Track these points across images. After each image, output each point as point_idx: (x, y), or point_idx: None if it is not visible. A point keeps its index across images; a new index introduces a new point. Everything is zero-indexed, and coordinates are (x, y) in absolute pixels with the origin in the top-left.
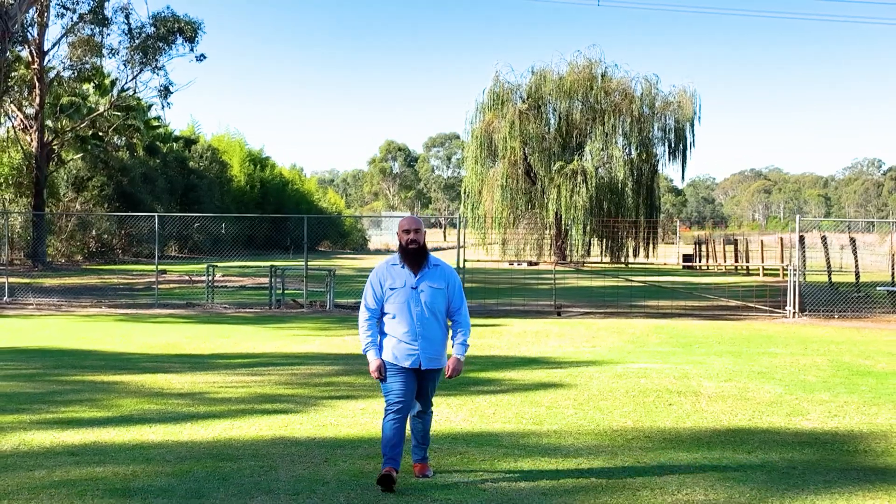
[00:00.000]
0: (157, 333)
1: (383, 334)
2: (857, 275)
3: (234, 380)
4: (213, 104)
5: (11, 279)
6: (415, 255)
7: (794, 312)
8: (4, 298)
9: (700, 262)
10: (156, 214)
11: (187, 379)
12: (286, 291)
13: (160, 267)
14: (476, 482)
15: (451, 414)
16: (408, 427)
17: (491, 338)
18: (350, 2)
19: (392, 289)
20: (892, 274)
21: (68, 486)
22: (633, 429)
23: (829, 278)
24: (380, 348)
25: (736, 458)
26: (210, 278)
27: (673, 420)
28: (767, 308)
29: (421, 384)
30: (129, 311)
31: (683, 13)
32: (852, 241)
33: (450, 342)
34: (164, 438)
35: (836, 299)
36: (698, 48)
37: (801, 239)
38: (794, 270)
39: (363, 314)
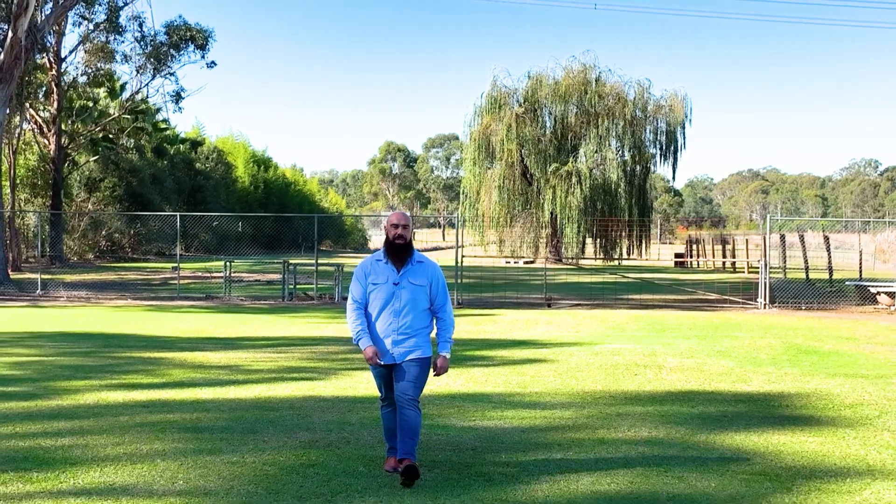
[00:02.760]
0: (185, 321)
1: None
2: (831, 271)
3: (263, 356)
4: (216, 106)
5: (33, 275)
6: (400, 249)
7: (764, 304)
8: (38, 291)
9: (691, 260)
10: (177, 214)
11: (222, 356)
12: (298, 286)
13: (174, 264)
14: (470, 424)
15: (450, 381)
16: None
17: (485, 325)
18: (351, 6)
19: (374, 284)
20: (860, 270)
21: (149, 426)
22: (601, 391)
23: (807, 275)
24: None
25: (680, 410)
26: (228, 273)
27: (635, 385)
28: (741, 300)
29: (402, 375)
30: (153, 302)
31: (681, 16)
32: (826, 239)
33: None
34: (214, 397)
35: (806, 292)
36: (696, 49)
37: (782, 238)
38: (765, 266)
39: (350, 305)
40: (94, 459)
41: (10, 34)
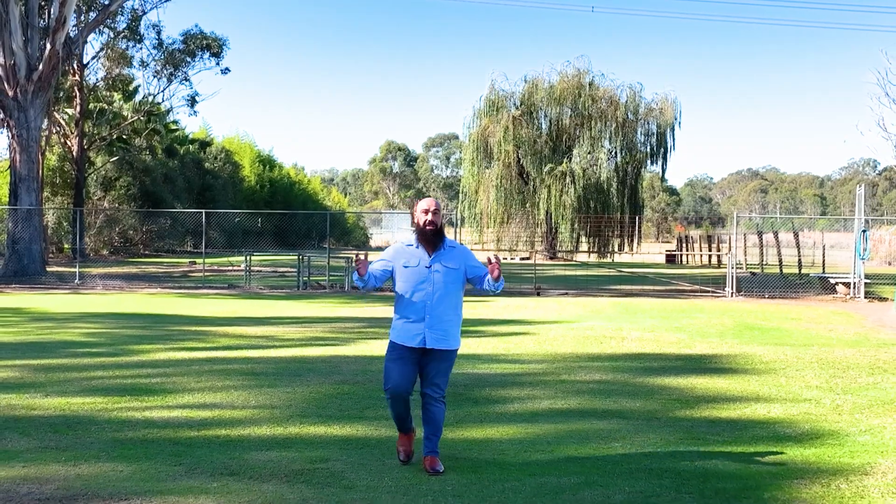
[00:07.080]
0: (215, 305)
1: (394, 315)
2: (800, 265)
3: (291, 330)
4: (221, 106)
5: (60, 268)
6: (431, 235)
7: (731, 293)
8: (76, 281)
9: (681, 255)
10: (203, 211)
11: (257, 329)
12: (311, 277)
13: (190, 259)
14: (462, 372)
15: None
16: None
17: (480, 309)
18: (352, 8)
19: (406, 266)
20: (823, 264)
21: (216, 372)
22: (569, 353)
23: (780, 268)
24: (372, 277)
25: (629, 365)
26: (248, 265)
27: (598, 349)
28: (711, 290)
29: (429, 366)
30: (182, 290)
31: (681, 18)
32: (796, 235)
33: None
34: (260, 356)
35: (774, 283)
36: (696, 51)
37: (760, 235)
38: (732, 259)
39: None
40: (185, 390)
41: (48, 47)
